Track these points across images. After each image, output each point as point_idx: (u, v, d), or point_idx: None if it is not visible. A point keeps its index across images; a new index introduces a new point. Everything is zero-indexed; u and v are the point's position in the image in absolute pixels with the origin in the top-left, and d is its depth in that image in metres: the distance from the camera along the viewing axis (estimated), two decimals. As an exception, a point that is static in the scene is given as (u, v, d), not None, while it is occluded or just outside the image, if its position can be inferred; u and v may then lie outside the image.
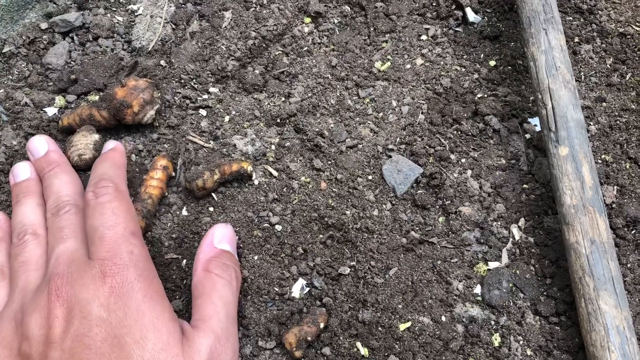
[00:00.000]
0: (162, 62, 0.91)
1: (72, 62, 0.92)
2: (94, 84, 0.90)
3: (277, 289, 0.73)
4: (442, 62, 0.90)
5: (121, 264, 0.59)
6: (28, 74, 0.91)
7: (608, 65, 0.88)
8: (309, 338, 0.67)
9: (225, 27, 0.94)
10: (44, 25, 0.95)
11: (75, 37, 0.94)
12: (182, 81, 0.89)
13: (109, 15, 0.96)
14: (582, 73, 0.88)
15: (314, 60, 0.91)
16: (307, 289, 0.73)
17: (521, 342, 0.69)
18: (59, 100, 0.89)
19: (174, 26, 0.95)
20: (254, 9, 0.96)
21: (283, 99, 0.88)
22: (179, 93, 0.88)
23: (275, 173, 0.82)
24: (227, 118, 0.86)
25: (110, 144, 0.78)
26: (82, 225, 0.66)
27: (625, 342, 0.62)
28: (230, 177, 0.79)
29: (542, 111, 0.75)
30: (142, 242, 0.64)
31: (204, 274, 0.67)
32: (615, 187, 0.77)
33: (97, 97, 0.89)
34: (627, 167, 0.79)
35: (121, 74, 0.90)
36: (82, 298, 0.56)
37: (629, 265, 0.73)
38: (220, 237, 0.71)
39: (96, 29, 0.94)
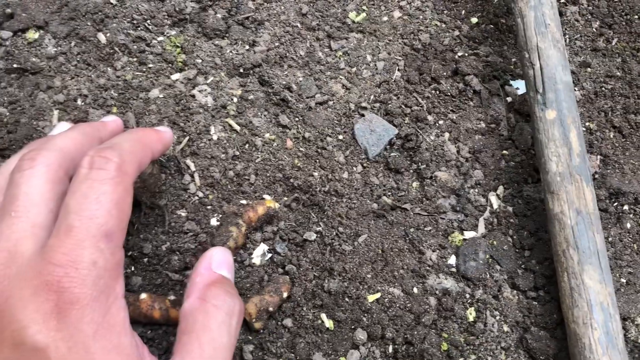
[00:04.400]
0: (112, 0, 0.81)
1: (7, -6, 0.81)
2: (33, 20, 0.79)
3: (235, 255, 0.66)
4: (421, 17, 0.84)
5: (76, 278, 0.44)
6: (-45, 4, 0.80)
7: (594, 29, 0.83)
8: (271, 309, 0.61)
9: (185, -36, 0.84)
10: (-25, -50, 0.83)
11: (12, -34, 0.83)
12: (135, 22, 0.80)
13: (52, -57, 0.85)
14: (567, 36, 0.83)
15: (282, 7, 0.83)
16: (269, 255, 0.67)
17: (497, 318, 0.64)
18: (-8, 36, 0.78)
19: (126, -40, 0.85)
20: (217, -54, 0.87)
21: (247, 47, 0.80)
22: (131, 34, 0.78)
23: (237, 127, 0.74)
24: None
25: (162, 127, 0.63)
26: (56, 201, 0.50)
27: (608, 319, 0.58)
28: (259, 224, 0.68)
29: (528, 71, 0.70)
30: (116, 248, 0.48)
31: (198, 302, 0.53)
32: (598, 156, 0.73)
33: (36, 35, 0.79)
34: (611, 136, 0.75)
35: (64, 9, 0.80)
36: (17, 318, 0.43)
37: (610, 239, 0.69)
38: (219, 262, 0.58)
39: (37, -43, 0.83)
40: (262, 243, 0.67)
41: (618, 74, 0.79)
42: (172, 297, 0.61)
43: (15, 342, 0.42)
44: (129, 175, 0.51)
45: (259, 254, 0.67)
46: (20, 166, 0.51)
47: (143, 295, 0.60)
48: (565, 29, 0.83)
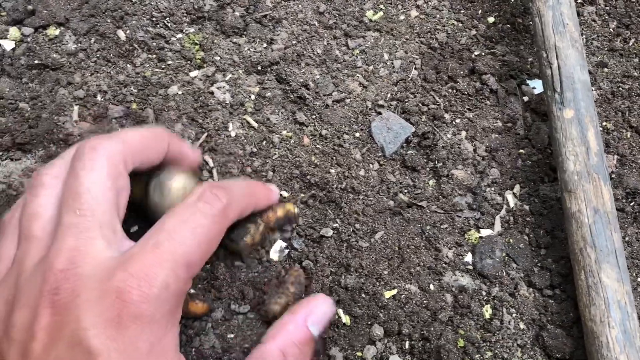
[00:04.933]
0: (132, -3, 0.82)
1: (29, -9, 0.82)
2: (54, 17, 0.80)
3: (252, 252, 0.67)
4: (438, 16, 0.84)
5: (147, 294, 0.43)
6: (-22, 0, 0.81)
7: (611, 30, 0.83)
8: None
9: (204, -37, 0.85)
10: (-2, -53, 0.84)
11: (33, -37, 0.84)
12: (154, 19, 0.81)
13: (73, -59, 0.86)
14: (584, 36, 0.83)
15: (300, 5, 0.84)
16: (287, 251, 0.67)
17: (514, 315, 0.64)
18: (14, 32, 0.79)
19: (146, -42, 0.86)
20: (236, -55, 0.87)
21: (265, 45, 0.81)
22: (150, 32, 0.79)
23: (254, 124, 0.75)
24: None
25: (273, 187, 0.66)
26: (116, 198, 0.50)
27: (626, 318, 0.58)
28: (276, 225, 0.68)
29: (546, 71, 0.70)
30: (189, 280, 0.48)
31: (277, 355, 0.52)
32: (615, 156, 0.73)
33: (57, 32, 0.80)
34: (628, 136, 0.75)
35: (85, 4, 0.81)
36: (80, 317, 0.42)
37: (627, 238, 0.69)
38: (318, 318, 0.56)
39: (58, -45, 0.84)
40: (279, 240, 0.68)
41: (635, 74, 0.79)
42: (191, 291, 0.61)
43: (73, 341, 0.42)
44: (229, 219, 0.53)
45: (276, 249, 0.67)
46: (82, 154, 0.50)
47: None
48: (583, 29, 0.83)
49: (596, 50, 0.82)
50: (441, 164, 0.73)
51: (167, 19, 0.81)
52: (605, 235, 0.61)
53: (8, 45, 0.78)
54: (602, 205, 0.62)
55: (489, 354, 0.62)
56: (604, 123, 0.76)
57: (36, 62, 0.77)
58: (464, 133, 0.75)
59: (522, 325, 0.64)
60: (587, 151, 0.65)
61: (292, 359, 0.52)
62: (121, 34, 0.80)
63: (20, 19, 0.80)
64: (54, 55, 0.78)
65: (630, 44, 0.82)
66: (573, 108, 0.67)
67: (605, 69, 0.80)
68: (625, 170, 0.72)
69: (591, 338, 0.59)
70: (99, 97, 0.75)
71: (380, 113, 0.76)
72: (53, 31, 0.80)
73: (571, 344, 0.62)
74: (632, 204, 0.71)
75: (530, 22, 0.80)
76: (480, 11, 0.85)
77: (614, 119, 0.76)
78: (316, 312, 0.56)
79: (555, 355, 0.62)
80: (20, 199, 0.55)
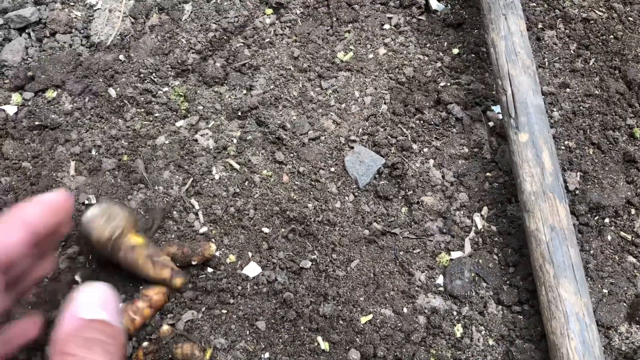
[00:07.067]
0: (121, 57, 0.89)
1: (28, 59, 0.90)
2: (51, 81, 0.88)
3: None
4: (405, 51, 0.89)
5: None
6: (-17, 71, 0.89)
7: (572, 51, 0.87)
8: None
9: (186, 19, 0.92)
10: (-1, 22, 0.93)
11: (31, 33, 0.92)
12: (142, 75, 0.87)
13: (66, 10, 0.94)
14: (546, 59, 0.87)
15: (276, 52, 0.90)
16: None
17: (483, 332, 0.68)
18: (16, 97, 0.87)
19: (133, 20, 0.93)
20: (214, 1, 0.94)
21: (244, 91, 0.87)
22: (138, 87, 0.86)
23: (237, 166, 0.80)
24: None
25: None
26: None
27: (584, 328, 0.61)
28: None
29: (502, 98, 0.74)
30: None
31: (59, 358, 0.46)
32: (578, 173, 0.76)
33: (54, 94, 0.87)
34: (591, 152, 0.78)
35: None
36: None
37: (591, 251, 0.72)
38: (86, 303, 0.50)
39: (53, 24, 0.92)
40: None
41: (596, 92, 0.83)
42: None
43: None
44: None
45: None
46: None
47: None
48: (544, 53, 0.87)
49: (558, 72, 0.86)
50: (411, 191, 0.77)
51: (154, 74, 0.88)
52: (562, 252, 0.64)
53: (11, 110, 0.86)
54: (559, 223, 0.66)
55: (460, 370, 0.65)
56: (566, 142, 0.79)
57: (37, 123, 0.84)
58: (431, 161, 0.79)
59: (491, 342, 0.67)
60: (542, 172, 0.68)
61: (78, 349, 0.47)
62: (112, 91, 0.86)
63: (21, 84, 0.88)
64: (53, 115, 0.85)
65: (591, 63, 0.85)
66: (527, 132, 0.70)
67: (568, 89, 0.84)
68: (589, 186, 0.76)
69: (553, 350, 0.62)
70: (93, 152, 0.82)
71: (352, 148, 0.81)
72: (51, 94, 0.87)
73: (540, 357, 0.65)
74: (596, 217, 0.74)
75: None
76: (445, 43, 0.90)
77: (576, 137, 0.79)
78: (80, 299, 0.50)
79: (524, 368, 0.65)
80: None
